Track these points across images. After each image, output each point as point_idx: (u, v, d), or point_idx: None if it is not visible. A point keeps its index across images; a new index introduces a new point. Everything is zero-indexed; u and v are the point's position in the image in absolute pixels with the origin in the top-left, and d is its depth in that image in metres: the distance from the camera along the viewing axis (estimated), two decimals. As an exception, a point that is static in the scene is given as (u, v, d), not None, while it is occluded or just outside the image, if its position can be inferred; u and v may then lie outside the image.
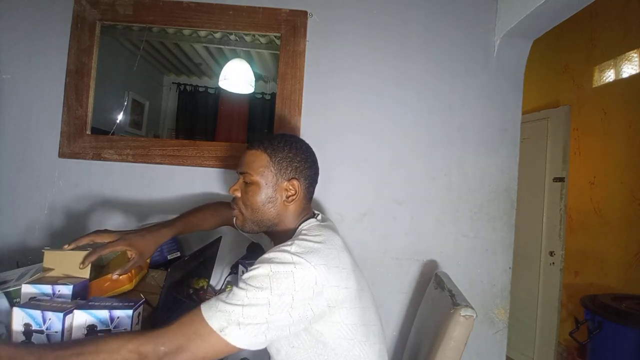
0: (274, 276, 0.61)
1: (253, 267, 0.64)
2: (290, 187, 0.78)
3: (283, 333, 0.62)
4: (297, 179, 0.78)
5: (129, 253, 0.83)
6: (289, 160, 0.78)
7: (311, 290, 0.62)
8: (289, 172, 0.78)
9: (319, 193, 1.28)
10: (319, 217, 0.82)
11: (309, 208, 0.84)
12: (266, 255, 0.66)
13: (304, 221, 0.79)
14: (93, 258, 0.80)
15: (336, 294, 0.65)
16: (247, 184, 0.79)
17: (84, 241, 0.81)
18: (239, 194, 0.80)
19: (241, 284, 0.61)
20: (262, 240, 1.04)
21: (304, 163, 0.80)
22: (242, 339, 0.58)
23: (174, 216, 0.96)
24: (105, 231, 0.84)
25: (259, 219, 0.79)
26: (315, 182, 0.84)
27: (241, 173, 0.80)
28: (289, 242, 0.67)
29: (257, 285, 0.60)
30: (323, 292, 0.63)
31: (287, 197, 0.78)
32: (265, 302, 0.59)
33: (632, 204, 1.87)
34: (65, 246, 0.80)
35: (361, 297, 0.71)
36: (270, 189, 0.77)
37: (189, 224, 0.98)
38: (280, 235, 0.80)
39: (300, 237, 0.70)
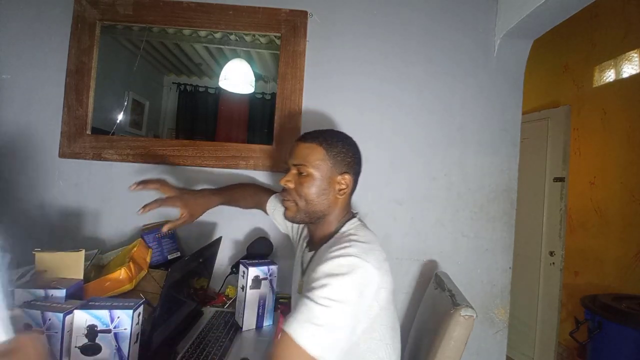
0: (349, 285, 0.62)
1: (323, 277, 0.63)
2: (342, 181, 0.81)
3: (355, 337, 0.65)
4: (348, 173, 0.81)
5: (181, 211, 0.93)
6: (342, 155, 0.81)
7: (375, 292, 0.65)
8: (342, 166, 0.81)
9: (319, 193, 1.28)
10: (358, 217, 0.86)
11: (350, 205, 0.87)
12: (333, 265, 0.64)
13: (347, 220, 0.82)
14: (155, 207, 0.88)
15: (386, 296, 0.69)
16: (301, 176, 0.80)
17: (151, 185, 0.93)
18: (292, 185, 0.81)
19: (321, 300, 0.60)
20: (287, 231, 1.07)
21: (355, 159, 0.83)
22: (334, 354, 0.59)
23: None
24: (167, 184, 0.96)
25: (312, 210, 0.80)
26: (358, 174, 0.86)
27: (295, 165, 0.81)
28: (346, 244, 0.69)
29: (338, 299, 0.60)
30: (379, 293, 0.67)
31: (339, 191, 0.81)
32: (349, 314, 0.61)
33: (632, 204, 1.87)
34: (133, 186, 0.91)
35: (393, 300, 0.74)
36: (325, 181, 0.80)
37: (232, 198, 1.07)
38: (323, 229, 0.83)
39: (353, 238, 0.73)
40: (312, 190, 0.79)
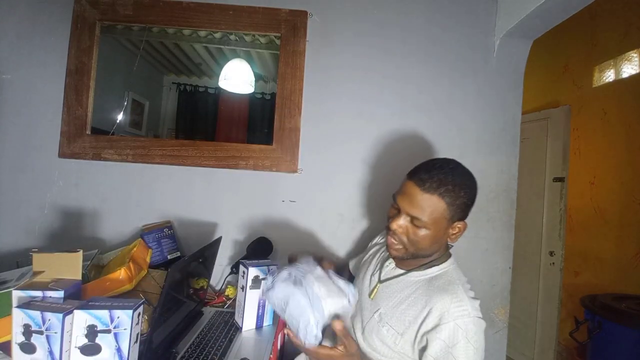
0: (476, 349, 0.70)
1: (453, 341, 0.70)
2: (457, 228, 0.79)
3: None
4: (463, 219, 0.78)
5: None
6: (463, 207, 0.76)
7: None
8: (460, 215, 0.77)
9: (319, 193, 1.28)
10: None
11: None
12: (458, 327, 0.70)
13: (445, 255, 0.83)
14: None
15: None
16: (415, 224, 0.75)
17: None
18: (404, 236, 0.77)
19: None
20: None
21: (472, 202, 0.78)
22: None
23: (175, 215, 0.96)
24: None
25: (422, 255, 0.80)
26: None
27: (409, 214, 0.76)
28: (462, 298, 0.73)
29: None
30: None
31: (452, 235, 0.79)
32: None
33: (632, 204, 1.87)
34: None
35: None
36: (441, 233, 0.77)
37: None
38: (421, 260, 0.82)
39: (462, 287, 0.76)
40: (426, 242, 0.76)
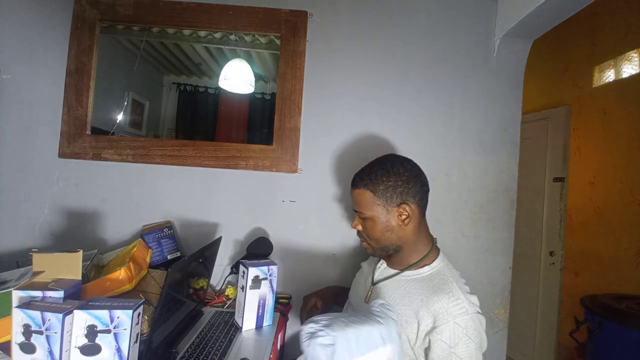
0: (477, 344, 0.72)
1: (454, 340, 0.71)
2: (402, 211, 0.82)
3: None
4: (405, 202, 0.82)
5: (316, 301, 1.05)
6: (391, 189, 0.81)
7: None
8: (395, 199, 0.82)
9: (319, 193, 1.28)
10: (440, 247, 0.89)
11: (425, 223, 0.88)
12: (458, 325, 0.72)
13: (432, 247, 0.86)
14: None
15: None
16: (363, 220, 0.86)
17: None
18: (360, 228, 0.89)
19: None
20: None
21: (406, 184, 0.82)
22: None
23: (175, 215, 0.96)
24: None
25: (384, 245, 0.86)
26: (426, 192, 0.86)
27: (355, 211, 0.88)
28: (459, 297, 0.75)
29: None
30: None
31: (403, 221, 0.82)
32: None
33: (632, 204, 1.87)
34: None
35: None
36: (383, 219, 0.83)
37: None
38: (405, 254, 0.86)
39: (456, 285, 0.78)
40: (376, 231, 0.84)
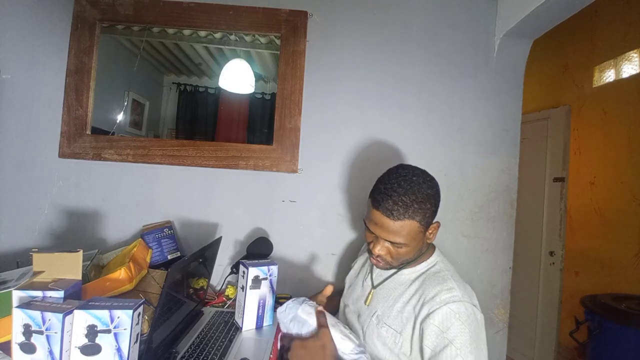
0: (471, 332, 0.69)
1: (446, 325, 0.70)
2: (433, 228, 0.81)
3: None
4: (435, 220, 0.81)
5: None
6: (430, 214, 0.78)
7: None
8: (432, 220, 0.80)
9: (319, 193, 1.28)
10: (440, 247, 0.88)
11: None
12: (450, 310, 0.71)
13: (430, 248, 0.86)
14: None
15: None
16: (396, 246, 0.78)
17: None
18: (384, 252, 0.80)
19: (456, 352, 0.67)
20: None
21: (438, 203, 0.80)
22: None
23: (174, 217, 0.96)
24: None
25: (403, 262, 0.82)
26: None
27: (389, 241, 0.77)
28: (452, 286, 0.75)
29: (468, 350, 0.68)
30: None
31: (429, 235, 0.81)
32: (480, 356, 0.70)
33: (632, 204, 1.87)
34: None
35: None
36: (421, 242, 0.80)
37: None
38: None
39: (451, 277, 0.78)
40: (410, 254, 0.80)
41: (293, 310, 0.78)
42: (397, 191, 0.75)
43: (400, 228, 0.75)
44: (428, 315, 0.72)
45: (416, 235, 0.76)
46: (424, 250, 0.85)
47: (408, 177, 0.78)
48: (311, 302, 0.81)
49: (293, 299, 0.81)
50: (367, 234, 0.83)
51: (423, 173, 0.81)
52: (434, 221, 0.81)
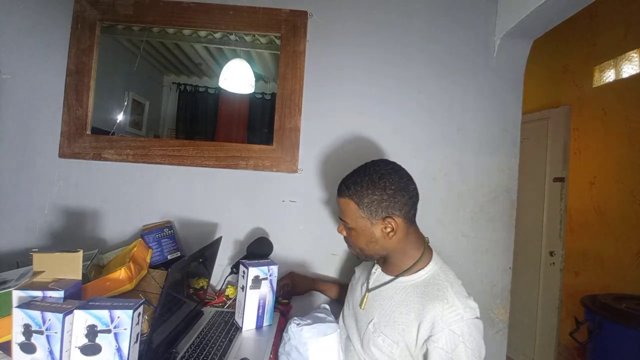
0: (474, 349, 0.71)
1: (450, 347, 0.71)
2: (387, 224, 0.79)
3: None
4: (390, 216, 0.79)
5: (287, 281, 1.15)
6: (376, 203, 0.78)
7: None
8: (380, 212, 0.79)
9: (320, 193, 1.28)
10: (433, 248, 0.87)
11: (415, 229, 0.86)
12: (454, 333, 0.71)
13: (424, 253, 0.83)
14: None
15: None
16: (347, 228, 0.85)
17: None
18: (344, 234, 0.88)
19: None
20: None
21: (392, 198, 0.78)
22: None
23: (174, 217, 0.96)
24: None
25: (370, 254, 0.86)
26: (414, 202, 0.83)
27: (340, 219, 0.87)
28: (453, 302, 0.74)
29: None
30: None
31: (387, 234, 0.80)
32: None
33: (632, 204, 1.87)
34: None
35: None
36: (367, 231, 0.81)
37: (326, 288, 1.20)
38: (397, 262, 0.84)
39: (451, 290, 0.76)
40: (360, 241, 0.84)
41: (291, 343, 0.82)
42: (353, 173, 0.85)
43: (342, 205, 0.83)
44: (431, 337, 0.72)
45: (356, 219, 0.80)
46: (418, 255, 0.83)
47: (370, 165, 0.84)
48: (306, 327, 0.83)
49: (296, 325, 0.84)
50: None
51: (387, 167, 0.82)
52: (387, 217, 0.79)
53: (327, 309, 0.96)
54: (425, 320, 0.74)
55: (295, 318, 0.87)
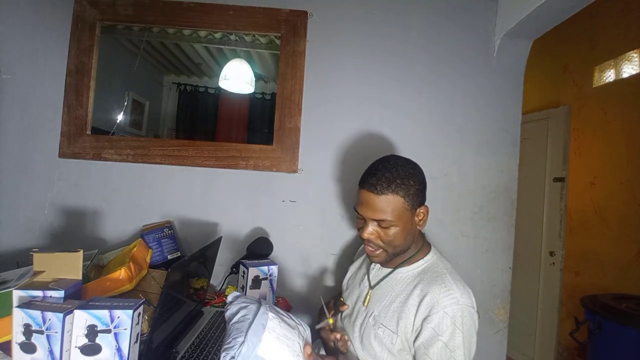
0: (464, 334, 0.72)
1: (441, 328, 0.72)
2: (421, 213, 0.81)
3: None
4: (423, 202, 0.82)
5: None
6: (418, 192, 0.80)
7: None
8: (418, 201, 0.80)
9: (319, 193, 1.28)
10: (440, 247, 0.89)
11: None
12: (446, 314, 0.72)
13: (424, 245, 0.86)
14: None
15: None
16: (383, 227, 0.79)
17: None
18: (374, 237, 0.80)
19: (445, 350, 0.71)
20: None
21: (424, 185, 0.82)
22: None
23: (174, 217, 0.96)
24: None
25: (401, 250, 0.82)
26: None
27: (375, 220, 0.79)
28: (451, 287, 0.75)
29: (461, 352, 0.71)
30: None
31: (419, 221, 0.82)
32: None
33: (632, 204, 1.86)
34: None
35: None
36: (408, 224, 0.80)
37: None
38: (401, 254, 0.84)
39: (449, 277, 0.78)
40: (400, 238, 0.79)
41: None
42: (380, 169, 0.79)
43: (385, 203, 0.76)
44: (426, 317, 0.74)
45: (402, 213, 0.77)
46: (417, 242, 0.85)
47: (392, 160, 0.82)
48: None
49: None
50: (357, 221, 0.85)
51: (407, 161, 0.84)
52: (421, 205, 0.81)
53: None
54: (424, 303, 0.75)
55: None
